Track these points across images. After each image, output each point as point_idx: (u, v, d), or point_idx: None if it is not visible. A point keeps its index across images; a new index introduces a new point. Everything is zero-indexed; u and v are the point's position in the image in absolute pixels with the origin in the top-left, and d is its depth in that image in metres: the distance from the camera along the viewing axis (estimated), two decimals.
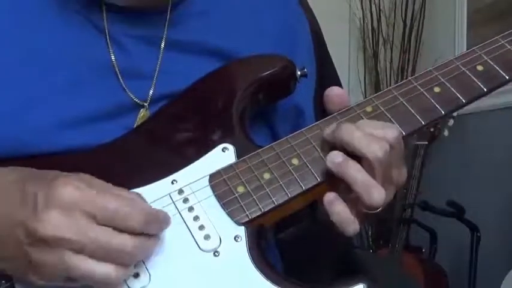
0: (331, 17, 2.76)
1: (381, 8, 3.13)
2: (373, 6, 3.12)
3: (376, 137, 0.62)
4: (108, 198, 0.55)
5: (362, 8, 3.12)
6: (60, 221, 0.53)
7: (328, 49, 0.97)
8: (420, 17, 3.06)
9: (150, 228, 0.57)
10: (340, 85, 0.82)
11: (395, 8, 3.14)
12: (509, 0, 2.42)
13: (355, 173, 0.61)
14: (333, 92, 0.69)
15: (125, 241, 0.55)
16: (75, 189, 0.55)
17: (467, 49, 0.73)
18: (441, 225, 2.56)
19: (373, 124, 0.64)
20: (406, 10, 3.09)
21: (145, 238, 0.57)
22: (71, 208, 0.54)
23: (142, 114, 0.72)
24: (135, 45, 0.72)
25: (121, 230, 0.55)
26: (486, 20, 2.58)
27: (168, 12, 0.74)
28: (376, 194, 0.61)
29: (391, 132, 0.63)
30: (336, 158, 0.63)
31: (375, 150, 0.61)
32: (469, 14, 2.73)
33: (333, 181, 0.64)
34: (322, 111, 0.71)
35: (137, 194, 0.59)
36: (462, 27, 2.77)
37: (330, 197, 0.63)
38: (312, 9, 0.93)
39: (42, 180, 0.56)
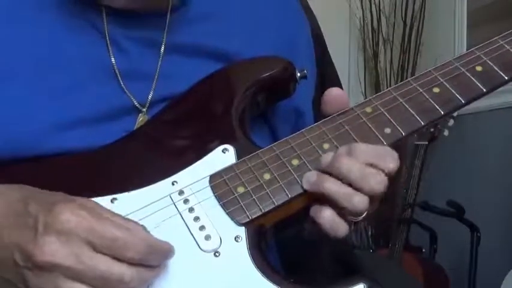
0: (331, 17, 2.77)
1: (381, 8, 3.13)
2: (373, 6, 3.13)
3: (374, 168, 0.62)
4: (108, 226, 0.54)
5: (362, 8, 3.13)
6: (57, 248, 0.52)
7: (328, 49, 0.97)
8: (420, 17, 3.06)
9: (150, 260, 0.56)
10: (340, 85, 0.82)
11: (395, 8, 3.14)
12: (509, 0, 2.42)
13: (332, 186, 0.62)
14: (331, 93, 0.69)
15: (123, 271, 0.54)
16: (75, 216, 0.54)
17: (467, 49, 0.73)
18: (441, 225, 2.56)
19: (372, 153, 0.64)
20: (406, 10, 3.10)
21: (144, 269, 0.55)
22: (69, 234, 0.53)
23: (141, 118, 0.71)
24: (135, 48, 0.72)
25: (120, 260, 0.54)
26: (486, 20, 2.59)
27: (168, 15, 0.74)
28: (357, 200, 0.61)
29: (387, 163, 0.63)
30: (310, 177, 0.64)
31: (372, 185, 0.62)
32: (469, 14, 2.73)
33: None
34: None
35: (140, 225, 0.57)
36: (462, 27, 2.77)
37: (315, 206, 0.64)
38: (312, 9, 0.94)
39: (45, 203, 0.55)
